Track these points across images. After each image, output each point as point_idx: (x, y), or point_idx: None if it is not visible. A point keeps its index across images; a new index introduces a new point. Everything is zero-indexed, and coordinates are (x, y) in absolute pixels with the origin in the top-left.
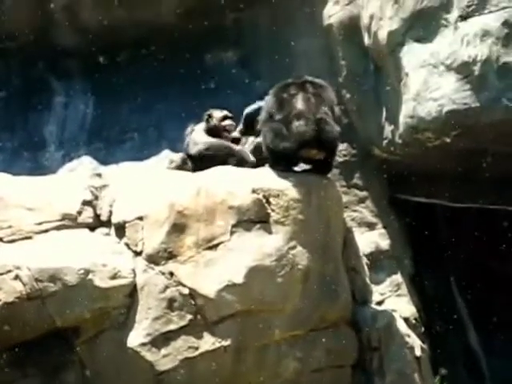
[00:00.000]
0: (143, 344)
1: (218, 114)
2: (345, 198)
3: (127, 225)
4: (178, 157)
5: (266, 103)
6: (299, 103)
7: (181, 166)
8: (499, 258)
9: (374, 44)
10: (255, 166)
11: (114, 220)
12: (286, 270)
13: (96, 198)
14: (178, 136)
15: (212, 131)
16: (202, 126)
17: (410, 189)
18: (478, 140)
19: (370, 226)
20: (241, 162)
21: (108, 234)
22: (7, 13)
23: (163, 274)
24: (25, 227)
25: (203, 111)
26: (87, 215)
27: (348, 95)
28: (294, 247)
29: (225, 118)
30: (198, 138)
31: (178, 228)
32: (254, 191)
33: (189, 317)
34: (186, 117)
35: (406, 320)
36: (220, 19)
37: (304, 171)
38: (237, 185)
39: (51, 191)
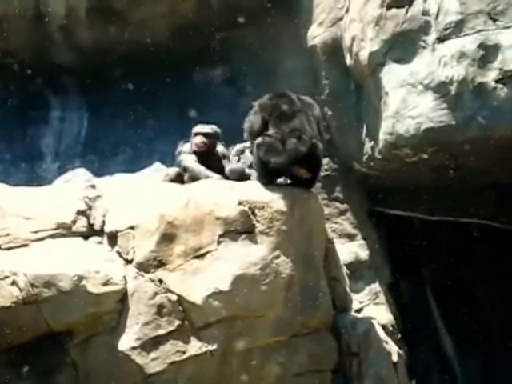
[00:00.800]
0: (133, 348)
1: (197, 129)
2: (326, 211)
3: (119, 234)
4: (173, 171)
5: (254, 115)
6: (297, 122)
7: (175, 180)
8: (472, 269)
9: (356, 64)
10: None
11: (107, 229)
12: (269, 279)
13: (90, 208)
14: (168, 149)
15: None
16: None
17: (388, 202)
18: (453, 156)
19: (350, 237)
20: None
21: (101, 243)
22: (7, 31)
23: (153, 281)
24: (22, 235)
25: (191, 127)
26: (81, 224)
27: (330, 112)
28: (277, 257)
29: (196, 134)
30: (185, 162)
31: (167, 237)
32: (240, 203)
33: (177, 322)
34: (176, 132)
35: (384, 327)
36: (208, 39)
37: (289, 184)
38: (224, 197)
39: (47, 201)
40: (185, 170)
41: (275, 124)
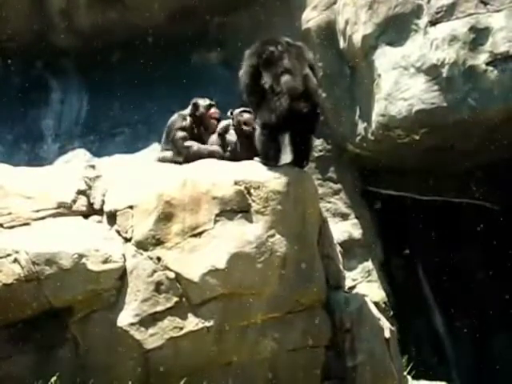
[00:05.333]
0: (132, 324)
1: (203, 102)
2: (320, 190)
3: (118, 213)
4: (168, 157)
5: (244, 65)
6: (288, 62)
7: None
8: (462, 248)
9: (349, 47)
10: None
11: (106, 208)
12: (265, 257)
13: (90, 187)
14: None
15: (199, 120)
16: (186, 112)
17: (381, 182)
18: (445, 138)
19: (344, 217)
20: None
21: (100, 222)
22: (8, 16)
23: (151, 259)
24: (23, 214)
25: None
26: (81, 204)
27: (324, 95)
28: (272, 235)
29: (210, 106)
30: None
31: (165, 216)
32: (236, 183)
33: (174, 299)
34: (174, 113)
35: (376, 304)
36: (205, 23)
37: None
38: (220, 177)
39: (48, 181)
40: (180, 149)
41: (265, 67)
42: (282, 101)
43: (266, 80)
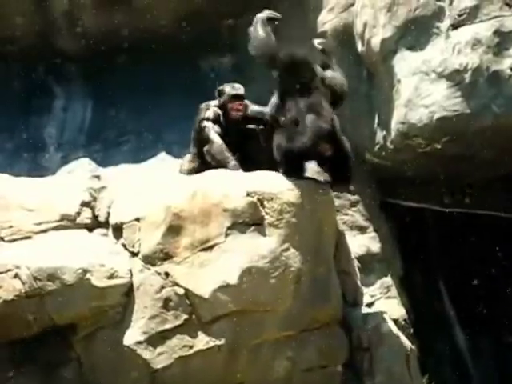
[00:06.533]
0: (139, 342)
1: (229, 90)
2: (337, 202)
3: (124, 226)
4: (187, 158)
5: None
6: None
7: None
8: (487, 262)
9: (368, 51)
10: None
11: (112, 221)
12: (279, 272)
13: (94, 199)
14: (174, 139)
15: (222, 108)
16: (212, 103)
17: (401, 193)
18: (467, 146)
19: (362, 230)
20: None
21: (106, 235)
22: (9, 17)
23: (159, 274)
24: (25, 227)
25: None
26: (86, 216)
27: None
28: (287, 249)
29: (234, 97)
30: (209, 133)
31: (174, 229)
32: (248, 194)
33: (184, 316)
34: (182, 121)
35: (396, 321)
36: (216, 26)
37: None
38: (232, 188)
39: (51, 192)
40: (206, 140)
41: (291, 97)
42: (304, 139)
43: (291, 108)
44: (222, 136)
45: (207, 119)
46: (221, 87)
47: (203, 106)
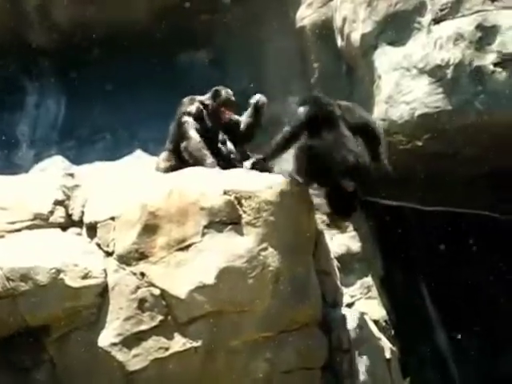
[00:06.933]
0: (114, 344)
1: (223, 94)
2: (315, 201)
3: (99, 225)
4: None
5: (299, 120)
6: (342, 131)
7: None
8: (468, 262)
9: (347, 46)
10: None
11: (86, 220)
12: (256, 272)
13: (68, 197)
14: (150, 136)
15: (212, 108)
16: (199, 98)
17: (381, 192)
18: (449, 143)
19: (341, 229)
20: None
21: (80, 234)
22: None
23: (134, 274)
24: None
25: (175, 111)
26: (59, 215)
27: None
28: (265, 249)
29: (230, 103)
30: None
31: (149, 229)
32: (225, 193)
33: (160, 317)
34: (158, 117)
35: (376, 322)
36: (192, 20)
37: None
38: (209, 186)
39: (24, 191)
40: (184, 136)
41: (320, 133)
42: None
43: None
44: (202, 134)
45: (188, 114)
46: (218, 88)
47: (187, 99)
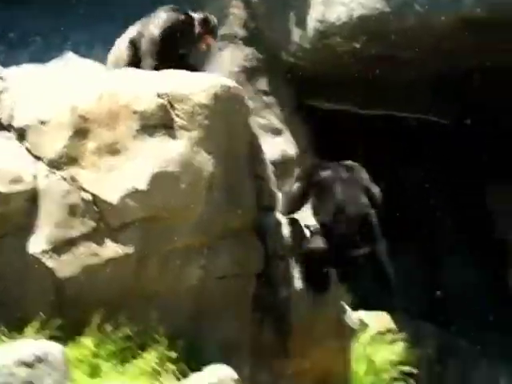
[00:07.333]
0: (44, 251)
1: (212, 23)
2: (251, 104)
3: (29, 129)
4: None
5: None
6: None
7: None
8: (407, 164)
9: None
10: None
11: (16, 124)
12: (190, 177)
13: None
14: (83, 39)
15: (198, 34)
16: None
17: (318, 95)
18: (388, 46)
19: (277, 133)
20: None
21: (10, 139)
22: None
23: (65, 179)
24: None
25: (109, 15)
26: None
27: None
28: (198, 153)
29: (214, 33)
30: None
31: (80, 133)
32: (159, 96)
33: (91, 223)
34: (91, 20)
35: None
36: None
37: None
38: (142, 89)
39: None
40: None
41: (316, 197)
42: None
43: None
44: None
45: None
46: (207, 15)
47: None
